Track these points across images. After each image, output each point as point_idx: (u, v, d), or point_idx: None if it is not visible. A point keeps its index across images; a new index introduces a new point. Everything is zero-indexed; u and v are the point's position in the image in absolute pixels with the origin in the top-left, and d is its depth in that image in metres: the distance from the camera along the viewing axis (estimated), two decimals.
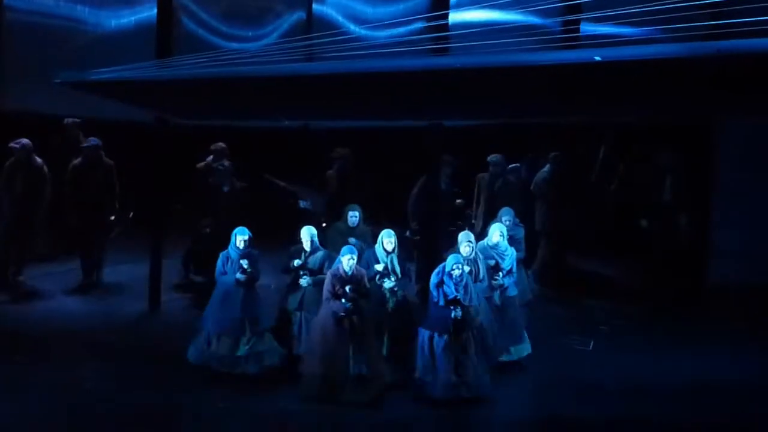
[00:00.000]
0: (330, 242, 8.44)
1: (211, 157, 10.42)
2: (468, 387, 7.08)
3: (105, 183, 10.28)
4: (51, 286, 10.24)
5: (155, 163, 9.64)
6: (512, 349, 7.89)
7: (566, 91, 7.21)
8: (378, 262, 7.68)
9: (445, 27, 8.26)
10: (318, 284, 7.56)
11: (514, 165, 11.17)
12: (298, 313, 7.78)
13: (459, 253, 7.45)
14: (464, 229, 8.28)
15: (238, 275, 7.55)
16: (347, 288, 7.08)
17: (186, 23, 10.16)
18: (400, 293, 7.73)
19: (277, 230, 9.76)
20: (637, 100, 7.67)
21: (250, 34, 10.46)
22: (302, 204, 10.73)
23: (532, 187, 11.04)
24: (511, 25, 7.96)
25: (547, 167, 10.97)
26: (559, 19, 8.50)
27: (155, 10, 9.64)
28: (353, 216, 8.59)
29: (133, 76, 7.85)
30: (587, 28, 7.81)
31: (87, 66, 8.46)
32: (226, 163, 10.33)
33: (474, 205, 10.90)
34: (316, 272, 7.77)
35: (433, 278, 7.23)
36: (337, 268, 7.21)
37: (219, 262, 7.67)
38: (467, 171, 10.84)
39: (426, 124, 8.91)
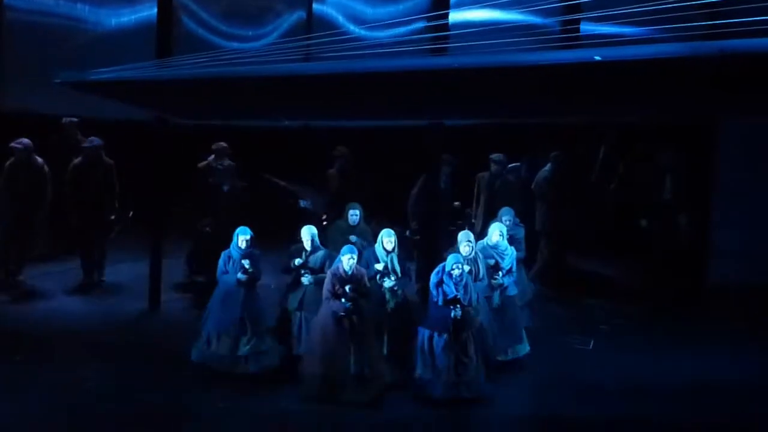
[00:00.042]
0: (331, 240, 8.45)
1: (212, 156, 10.42)
2: (468, 386, 7.08)
3: (105, 182, 10.29)
4: (51, 286, 10.24)
5: (155, 162, 9.64)
6: (509, 350, 7.89)
7: (566, 91, 7.20)
8: (378, 262, 7.68)
9: (446, 27, 8.26)
10: (319, 283, 7.55)
11: (514, 164, 11.18)
12: (299, 313, 7.78)
13: (459, 252, 7.46)
14: (464, 229, 8.29)
15: (240, 275, 7.55)
16: (347, 287, 7.08)
17: (186, 23, 10.15)
18: (400, 293, 7.73)
19: (277, 230, 9.75)
20: (637, 99, 7.67)
21: (250, 33, 10.45)
22: (302, 203, 10.74)
23: (532, 187, 11.04)
24: (511, 24, 7.96)
25: (548, 167, 10.97)
26: (559, 19, 8.50)
27: (155, 10, 9.64)
28: (354, 214, 8.59)
29: (133, 76, 7.85)
30: (587, 28, 7.81)
31: (87, 65, 8.46)
32: (226, 162, 10.34)
33: (474, 204, 10.90)
34: (317, 271, 7.77)
35: (433, 278, 7.23)
36: (337, 268, 7.21)
37: (220, 262, 7.67)
38: (467, 170, 10.84)
39: (426, 123, 8.91)
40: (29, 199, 9.96)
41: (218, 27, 10.32)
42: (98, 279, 10.48)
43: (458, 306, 7.03)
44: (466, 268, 7.31)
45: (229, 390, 7.22)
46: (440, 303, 7.12)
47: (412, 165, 9.89)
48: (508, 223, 8.52)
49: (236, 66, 7.77)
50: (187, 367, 7.58)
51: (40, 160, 10.06)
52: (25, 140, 9.93)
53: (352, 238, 8.37)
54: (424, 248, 9.60)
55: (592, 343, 8.78)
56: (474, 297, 7.26)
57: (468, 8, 8.61)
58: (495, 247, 7.93)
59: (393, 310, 7.67)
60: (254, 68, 7.68)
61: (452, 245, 7.92)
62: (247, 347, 7.49)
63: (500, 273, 7.84)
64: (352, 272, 7.16)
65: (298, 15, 10.53)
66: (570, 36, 7.74)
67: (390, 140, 11.12)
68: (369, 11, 10.15)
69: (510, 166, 11.00)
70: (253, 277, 7.61)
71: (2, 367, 7.64)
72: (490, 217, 9.54)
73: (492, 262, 7.85)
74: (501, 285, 7.86)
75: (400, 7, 9.97)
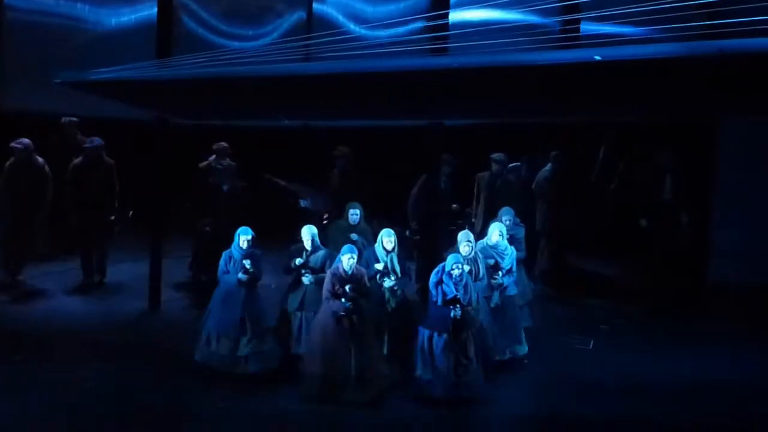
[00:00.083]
0: (331, 239, 8.45)
1: (213, 156, 10.43)
2: (467, 386, 7.08)
3: (106, 182, 10.28)
4: (51, 286, 10.24)
5: (155, 162, 9.64)
6: (508, 350, 7.90)
7: (566, 91, 7.20)
8: (378, 261, 7.68)
9: (445, 26, 8.26)
10: (319, 283, 7.54)
11: (514, 164, 11.18)
12: (299, 313, 7.78)
13: (458, 252, 7.46)
14: (464, 229, 8.29)
15: (241, 275, 7.55)
16: (347, 287, 7.07)
17: (186, 22, 10.15)
18: (399, 292, 7.73)
19: (277, 230, 9.76)
20: (637, 99, 7.67)
21: (250, 33, 10.45)
22: (302, 203, 10.74)
23: (533, 187, 11.05)
24: (511, 24, 7.96)
25: (548, 166, 10.97)
26: (558, 19, 8.50)
27: (155, 9, 9.64)
28: (354, 214, 8.60)
29: (133, 76, 7.84)
30: (587, 28, 7.81)
31: (87, 65, 8.46)
32: (225, 162, 10.34)
33: (474, 204, 10.91)
34: (317, 271, 7.77)
35: (433, 277, 7.23)
36: (337, 268, 7.21)
37: (221, 262, 7.67)
38: (467, 170, 10.84)
39: (426, 123, 8.91)
40: (29, 199, 9.97)
41: (218, 27, 10.32)
42: (99, 280, 10.48)
43: (458, 306, 7.03)
44: (466, 268, 7.31)
45: (229, 390, 7.22)
46: (439, 303, 7.12)
47: (412, 165, 9.90)
48: (508, 222, 8.52)
49: (236, 66, 7.77)
50: (187, 366, 7.57)
51: (40, 160, 10.06)
52: (26, 140, 9.93)
53: (353, 236, 8.37)
54: (424, 248, 9.61)
55: (592, 342, 8.78)
56: (474, 297, 7.26)
57: (468, 8, 8.61)
58: (495, 246, 7.93)
59: (393, 310, 7.68)
60: (254, 68, 7.68)
61: (452, 245, 7.92)
62: (248, 347, 7.49)
63: (500, 273, 7.84)
64: (352, 272, 7.16)
65: (298, 15, 10.54)
66: (570, 36, 7.75)
67: (390, 140, 11.12)
68: (369, 11, 10.16)
69: (510, 165, 11.01)
70: (253, 277, 7.61)
71: (2, 367, 7.64)
72: (490, 216, 9.54)
73: (492, 262, 7.85)
74: (501, 285, 7.86)
75: (400, 6, 9.97)
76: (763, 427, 6.96)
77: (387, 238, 7.69)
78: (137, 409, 6.86)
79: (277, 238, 9.33)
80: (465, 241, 7.58)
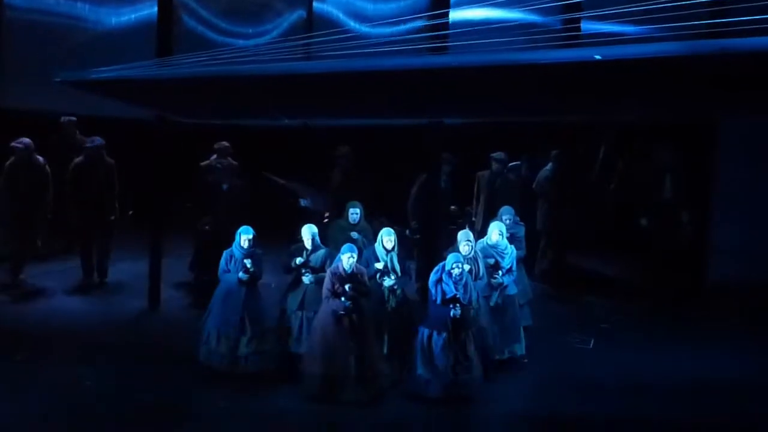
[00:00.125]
0: (331, 239, 8.45)
1: (214, 156, 10.43)
2: (466, 386, 7.08)
3: (106, 182, 10.28)
4: (51, 285, 10.23)
5: (155, 161, 9.64)
6: (507, 349, 7.90)
7: (566, 90, 7.20)
8: (378, 261, 7.68)
9: (446, 25, 8.26)
10: (320, 282, 7.54)
11: (514, 163, 11.18)
12: (300, 313, 7.77)
13: (458, 251, 7.45)
14: (464, 228, 8.29)
15: (241, 274, 7.55)
16: (347, 286, 7.07)
17: (186, 21, 10.14)
18: (399, 292, 7.73)
19: (277, 229, 9.75)
20: (637, 98, 7.67)
21: (250, 31, 10.44)
22: (303, 202, 10.74)
23: (534, 186, 11.05)
24: (512, 23, 7.95)
25: (549, 166, 10.98)
26: (559, 18, 8.49)
27: (156, 8, 9.64)
28: (354, 213, 8.59)
29: (134, 75, 7.84)
30: (588, 27, 7.81)
31: (87, 64, 8.45)
32: (225, 161, 10.34)
33: (474, 203, 10.91)
34: (317, 270, 7.76)
35: (432, 276, 7.23)
36: (337, 267, 7.21)
37: (222, 261, 7.67)
38: (467, 169, 10.84)
39: (426, 122, 8.91)
40: (30, 199, 9.96)
41: (218, 25, 10.32)
42: (100, 280, 10.47)
43: (457, 305, 7.02)
44: (466, 267, 7.30)
45: (229, 389, 7.22)
46: (438, 302, 7.11)
47: (412, 164, 9.89)
48: (508, 221, 8.52)
49: (236, 65, 7.76)
50: (187, 366, 7.57)
51: (41, 159, 10.06)
52: (26, 140, 9.92)
53: (353, 235, 8.36)
54: (424, 247, 9.60)
55: (592, 341, 8.78)
56: (474, 296, 7.26)
57: (468, 7, 8.60)
58: (495, 246, 7.93)
59: (393, 310, 7.67)
60: (254, 67, 7.68)
61: (452, 244, 7.92)
62: (248, 347, 7.49)
63: (500, 272, 7.84)
64: (352, 271, 7.16)
65: (298, 13, 10.53)
66: (570, 35, 7.74)
67: (390, 139, 11.12)
68: (369, 9, 10.15)
69: (510, 164, 11.01)
70: (254, 277, 7.60)
71: (2, 367, 7.63)
72: (491, 215, 9.54)
73: (492, 261, 7.84)
74: (501, 284, 7.86)
75: (401, 5, 9.96)
76: (763, 426, 6.96)
77: (387, 237, 7.68)
78: (137, 409, 6.86)
79: (277, 238, 9.32)
80: (465, 240, 7.57)
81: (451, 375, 7.03)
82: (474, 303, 7.27)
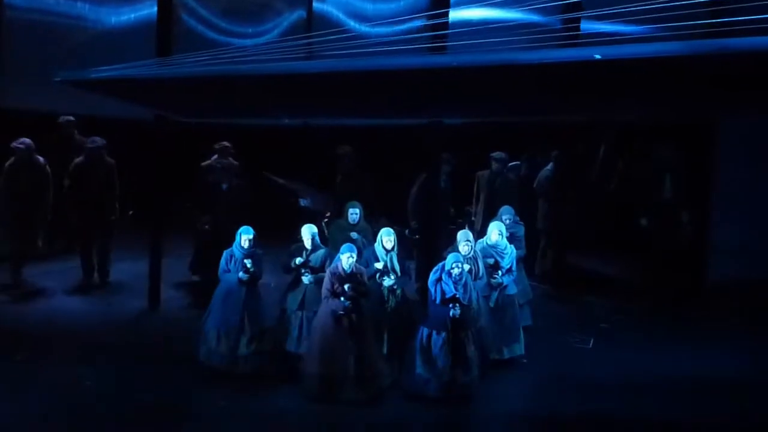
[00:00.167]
0: (331, 239, 8.44)
1: (215, 156, 10.43)
2: (465, 385, 7.08)
3: (106, 182, 10.28)
4: (51, 285, 10.24)
5: (155, 161, 9.64)
6: (506, 349, 7.90)
7: (566, 90, 7.20)
8: (377, 261, 7.67)
9: (446, 25, 8.26)
10: (319, 282, 7.54)
11: (514, 163, 11.18)
12: (300, 313, 7.77)
13: (458, 251, 7.45)
14: (464, 227, 8.28)
15: (241, 274, 7.54)
16: (346, 286, 7.07)
17: (186, 20, 10.15)
18: (399, 292, 7.73)
19: (277, 229, 9.75)
20: (637, 98, 7.67)
21: (250, 31, 10.45)
22: (302, 202, 10.74)
23: (534, 185, 11.05)
24: (512, 23, 7.95)
25: (550, 165, 10.98)
26: (559, 17, 8.49)
27: (155, 8, 9.64)
28: (353, 213, 8.58)
29: (134, 74, 7.84)
30: (587, 26, 7.81)
31: (87, 63, 8.45)
32: (225, 161, 10.34)
33: (474, 202, 10.91)
34: (317, 270, 7.76)
35: (432, 276, 7.22)
36: (336, 266, 7.20)
37: (222, 260, 7.66)
38: (467, 169, 10.84)
39: (426, 122, 8.91)
40: (30, 199, 9.96)
41: (218, 25, 10.32)
42: (102, 280, 10.46)
43: (457, 305, 7.02)
44: (466, 267, 7.30)
45: (229, 389, 7.22)
46: (438, 301, 7.11)
47: (412, 164, 9.89)
48: (507, 221, 8.52)
49: (237, 64, 7.76)
50: (187, 366, 7.57)
51: (41, 159, 10.05)
52: (27, 140, 9.92)
53: (353, 235, 8.36)
54: (424, 247, 9.60)
55: (592, 341, 8.78)
56: (473, 296, 7.25)
57: (468, 6, 8.61)
58: (494, 246, 7.93)
59: (392, 309, 7.67)
60: (254, 66, 7.68)
61: (452, 244, 7.91)
62: (248, 346, 7.49)
63: (500, 272, 7.84)
64: (351, 271, 7.15)
65: (298, 13, 10.54)
66: (570, 34, 7.74)
67: (390, 139, 11.12)
68: (369, 9, 10.16)
69: (510, 164, 11.01)
70: (254, 277, 7.60)
71: (2, 367, 7.63)
72: (490, 215, 9.54)
73: (491, 261, 7.84)
74: (500, 284, 7.86)
75: (401, 4, 9.97)
76: (762, 424, 6.96)
77: (387, 237, 7.68)
78: (137, 408, 6.85)
79: (277, 238, 9.32)
80: (464, 240, 7.57)
81: (451, 374, 7.03)
82: (474, 303, 7.26)
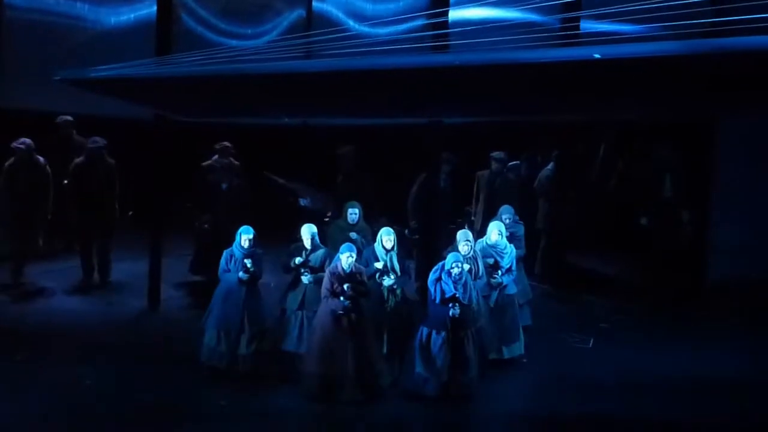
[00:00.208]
0: (331, 239, 8.44)
1: (215, 156, 10.42)
2: (464, 385, 7.08)
3: (106, 182, 10.27)
4: (51, 285, 10.23)
5: (155, 161, 9.64)
6: (505, 349, 7.89)
7: (566, 89, 7.20)
8: (377, 260, 7.67)
9: (445, 24, 8.26)
10: (319, 282, 7.53)
11: (513, 162, 11.18)
12: (300, 312, 7.76)
13: (458, 251, 7.45)
14: (463, 227, 8.28)
15: (241, 274, 7.54)
16: (346, 286, 7.07)
17: (186, 20, 10.15)
18: (399, 291, 7.72)
19: (277, 229, 9.75)
20: (637, 97, 7.67)
21: (249, 31, 10.45)
22: (302, 202, 10.73)
23: (535, 185, 11.05)
24: (511, 22, 7.95)
25: (550, 165, 10.97)
26: (559, 17, 8.49)
27: (155, 7, 9.64)
28: (353, 213, 8.57)
29: (133, 74, 7.83)
30: (587, 26, 7.81)
31: (87, 63, 8.45)
32: (225, 161, 10.33)
33: (474, 202, 10.91)
34: (317, 270, 7.75)
35: (431, 275, 7.22)
36: (336, 266, 7.20)
37: (222, 260, 7.66)
38: (467, 169, 10.83)
39: (426, 121, 8.90)
40: (31, 199, 9.95)
41: (218, 25, 10.32)
42: (103, 280, 10.46)
43: (456, 304, 7.02)
44: (466, 266, 7.30)
45: (229, 389, 7.21)
46: (437, 301, 7.11)
47: (411, 163, 9.88)
48: (507, 221, 8.51)
49: (236, 64, 7.76)
50: (187, 366, 7.57)
51: (41, 159, 10.05)
52: (27, 140, 9.92)
53: (353, 235, 8.35)
54: (424, 247, 9.60)
55: (591, 341, 8.78)
56: (473, 296, 7.25)
57: (468, 6, 8.60)
58: (494, 246, 7.93)
59: (392, 309, 7.66)
60: (254, 66, 7.67)
61: (451, 244, 7.91)
62: (248, 346, 7.49)
63: (499, 272, 7.84)
64: (351, 270, 7.15)
65: (297, 12, 10.54)
66: (570, 33, 7.74)
67: (389, 139, 11.12)
68: (369, 8, 10.16)
69: (510, 164, 11.00)
70: (254, 276, 7.60)
71: (2, 367, 7.63)
72: (490, 215, 9.53)
73: (491, 261, 7.84)
74: (500, 284, 7.86)
75: (401, 4, 9.97)
76: (762, 424, 6.95)
77: (386, 237, 7.67)
78: (138, 408, 6.85)
79: (277, 238, 9.32)
80: (464, 240, 7.56)
81: (449, 374, 7.03)
82: (473, 302, 7.26)
